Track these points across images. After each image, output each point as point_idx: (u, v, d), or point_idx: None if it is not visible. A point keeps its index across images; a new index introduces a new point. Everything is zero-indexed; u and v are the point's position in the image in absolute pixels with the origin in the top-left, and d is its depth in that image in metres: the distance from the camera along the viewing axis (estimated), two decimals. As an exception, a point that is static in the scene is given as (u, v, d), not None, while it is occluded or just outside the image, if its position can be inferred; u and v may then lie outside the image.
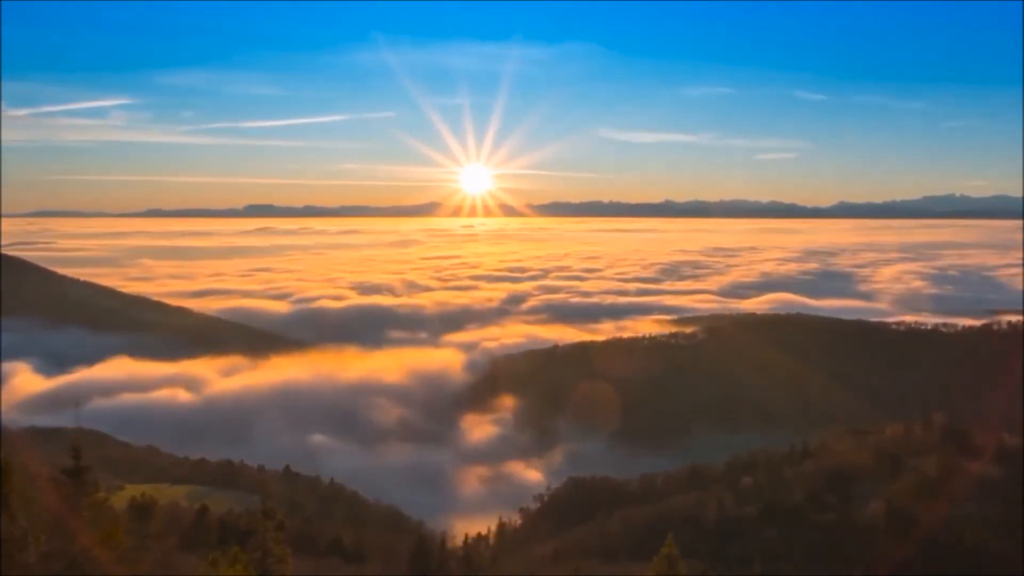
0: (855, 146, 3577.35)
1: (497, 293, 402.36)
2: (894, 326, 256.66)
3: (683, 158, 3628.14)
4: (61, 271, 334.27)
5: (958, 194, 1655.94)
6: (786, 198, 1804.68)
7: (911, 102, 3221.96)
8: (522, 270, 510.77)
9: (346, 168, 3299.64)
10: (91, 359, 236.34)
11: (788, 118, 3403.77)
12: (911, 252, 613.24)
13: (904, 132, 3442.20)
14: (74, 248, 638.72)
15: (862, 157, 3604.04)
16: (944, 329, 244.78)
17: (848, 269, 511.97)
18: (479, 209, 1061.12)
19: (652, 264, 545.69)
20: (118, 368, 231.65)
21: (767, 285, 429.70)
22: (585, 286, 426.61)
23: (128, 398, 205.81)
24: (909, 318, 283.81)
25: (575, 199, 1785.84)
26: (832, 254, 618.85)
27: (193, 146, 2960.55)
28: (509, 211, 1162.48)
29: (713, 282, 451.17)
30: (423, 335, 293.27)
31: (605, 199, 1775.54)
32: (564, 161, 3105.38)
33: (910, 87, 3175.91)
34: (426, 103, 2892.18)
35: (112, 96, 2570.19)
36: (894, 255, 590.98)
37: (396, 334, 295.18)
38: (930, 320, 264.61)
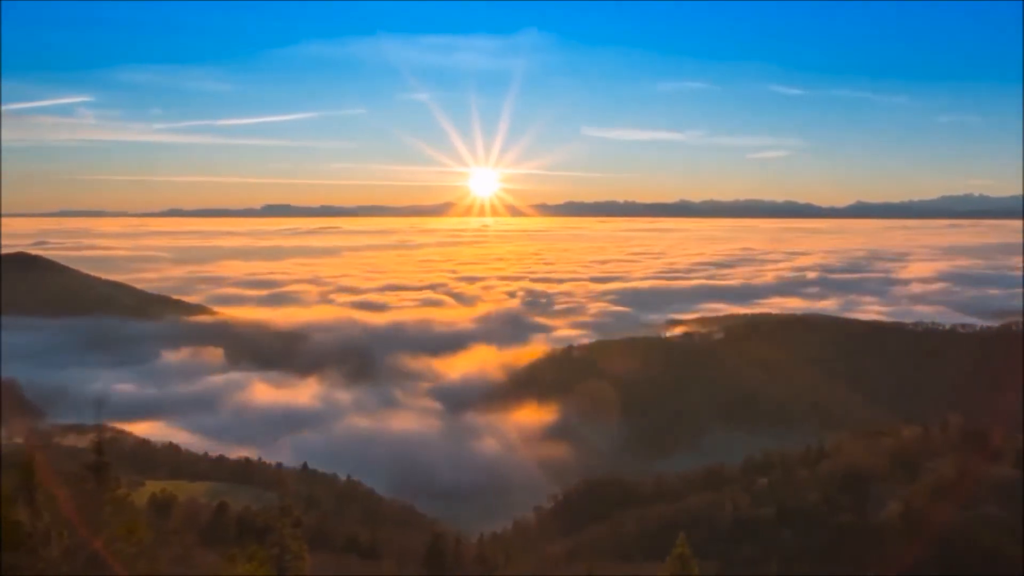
0: (850, 143, 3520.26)
1: (513, 288, 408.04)
2: (911, 327, 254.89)
3: (675, 157, 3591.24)
4: (86, 271, 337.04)
5: (976, 194, 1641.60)
6: (792, 197, 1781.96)
7: (894, 97, 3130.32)
8: (548, 269, 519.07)
9: (337, 168, 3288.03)
10: (111, 357, 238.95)
11: (771, 114, 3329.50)
12: (933, 252, 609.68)
13: (896, 128, 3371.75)
14: (102, 247, 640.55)
15: (861, 154, 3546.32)
16: (961, 330, 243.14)
17: (869, 270, 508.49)
18: (487, 209, 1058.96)
19: (672, 263, 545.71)
20: (139, 367, 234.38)
21: (784, 285, 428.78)
22: (601, 286, 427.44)
23: (151, 394, 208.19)
24: (927, 312, 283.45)
25: (586, 199, 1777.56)
26: (857, 254, 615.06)
27: (179, 145, 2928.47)
28: (519, 212, 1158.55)
29: (730, 281, 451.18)
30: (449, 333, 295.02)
31: (619, 199, 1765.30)
32: (557, 160, 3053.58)
33: (888, 82, 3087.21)
34: (397, 100, 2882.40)
35: (74, 93, 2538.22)
36: (918, 256, 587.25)
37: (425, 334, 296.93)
38: (947, 321, 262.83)
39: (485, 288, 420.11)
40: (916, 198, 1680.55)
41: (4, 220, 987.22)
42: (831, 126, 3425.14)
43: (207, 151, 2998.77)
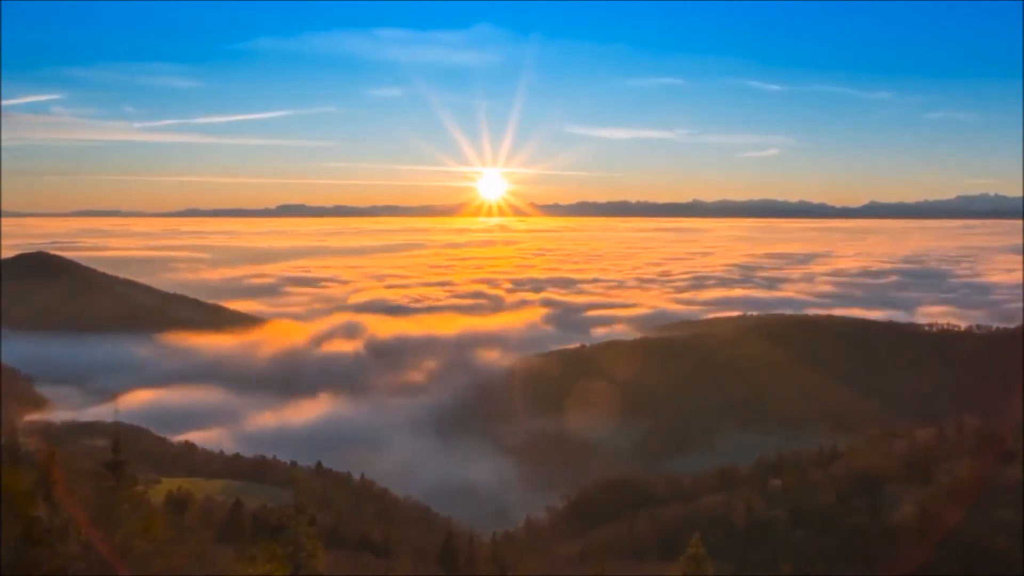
0: (845, 140, 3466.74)
1: (532, 287, 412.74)
2: (926, 328, 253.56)
3: (668, 155, 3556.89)
4: (107, 271, 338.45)
5: (992, 193, 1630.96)
6: (805, 196, 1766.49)
7: (876, 92, 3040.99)
8: (567, 268, 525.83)
9: (332, 167, 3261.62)
10: (127, 356, 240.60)
11: (755, 110, 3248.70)
12: (945, 253, 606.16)
13: (886, 125, 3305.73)
14: (122, 247, 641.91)
15: (860, 152, 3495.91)
16: (976, 332, 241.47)
17: (882, 271, 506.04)
18: (495, 210, 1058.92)
19: (684, 263, 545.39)
20: (154, 365, 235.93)
21: (798, 286, 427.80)
22: (612, 286, 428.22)
23: (167, 394, 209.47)
24: (941, 313, 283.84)
25: (598, 199, 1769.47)
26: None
27: (172, 144, 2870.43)
28: (530, 212, 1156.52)
29: (733, 274, 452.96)
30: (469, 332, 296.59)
31: (631, 199, 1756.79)
32: (551, 160, 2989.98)
33: (867, 77, 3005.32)
34: (368, 96, 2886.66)
35: (43, 91, 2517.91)
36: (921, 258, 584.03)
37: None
38: (962, 323, 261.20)
39: (504, 288, 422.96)
40: (932, 198, 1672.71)
41: (23, 220, 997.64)
42: (820, 123, 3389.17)
43: (204, 150, 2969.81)
